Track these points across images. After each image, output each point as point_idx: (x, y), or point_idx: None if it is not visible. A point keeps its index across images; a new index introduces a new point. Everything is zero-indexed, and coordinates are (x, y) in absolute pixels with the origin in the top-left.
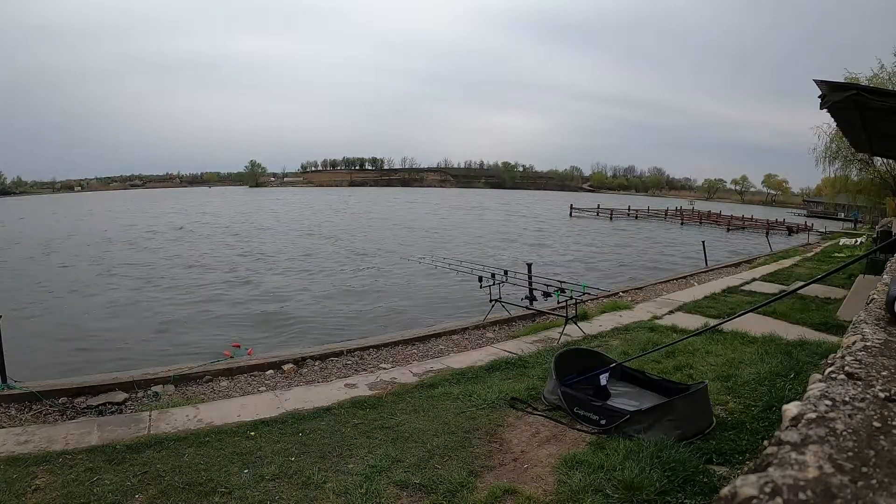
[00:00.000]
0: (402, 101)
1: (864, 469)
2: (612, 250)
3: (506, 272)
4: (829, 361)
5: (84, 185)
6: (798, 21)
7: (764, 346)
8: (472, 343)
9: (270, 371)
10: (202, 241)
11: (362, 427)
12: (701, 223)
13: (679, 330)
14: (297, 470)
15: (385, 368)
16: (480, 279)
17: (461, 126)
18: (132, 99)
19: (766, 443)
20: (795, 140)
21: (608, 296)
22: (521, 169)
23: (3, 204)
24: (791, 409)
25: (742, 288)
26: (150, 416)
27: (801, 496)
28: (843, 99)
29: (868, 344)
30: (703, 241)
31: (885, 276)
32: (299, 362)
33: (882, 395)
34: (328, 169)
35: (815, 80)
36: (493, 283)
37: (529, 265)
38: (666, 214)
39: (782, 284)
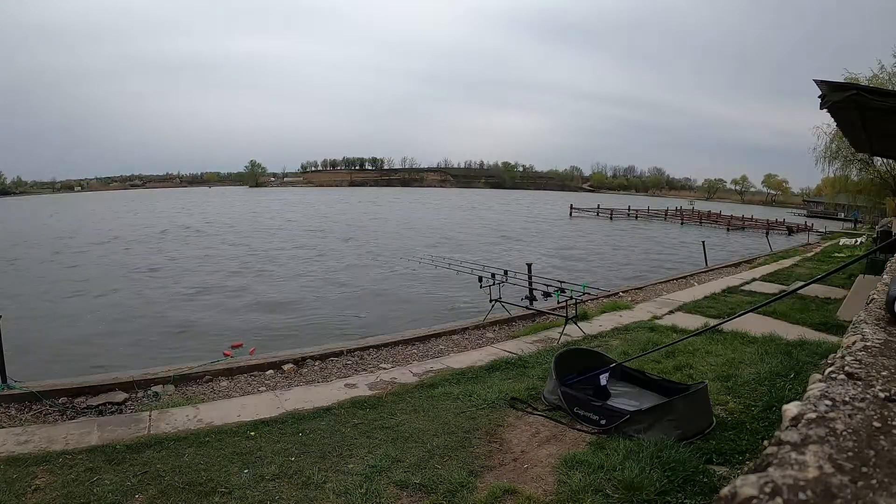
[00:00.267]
0: (402, 101)
1: (864, 469)
2: (612, 250)
3: (506, 272)
4: (829, 361)
5: (84, 185)
6: (798, 21)
7: (764, 346)
8: (472, 343)
9: (270, 371)
10: (211, 240)
11: (362, 427)
12: (701, 223)
13: (679, 330)
14: (297, 470)
15: (385, 368)
16: (480, 279)
17: (461, 126)
18: (132, 99)
19: (766, 443)
20: (795, 140)
21: (608, 296)
22: (521, 169)
23: (3, 204)
24: (791, 409)
25: (742, 288)
26: (150, 416)
27: (801, 496)
28: (843, 99)
29: (868, 344)
30: (703, 241)
31: (885, 276)
32: (299, 362)
33: (882, 395)
34: (328, 169)
35: (815, 80)
36: (493, 283)
37: (529, 265)
38: (666, 214)
39: (782, 284)
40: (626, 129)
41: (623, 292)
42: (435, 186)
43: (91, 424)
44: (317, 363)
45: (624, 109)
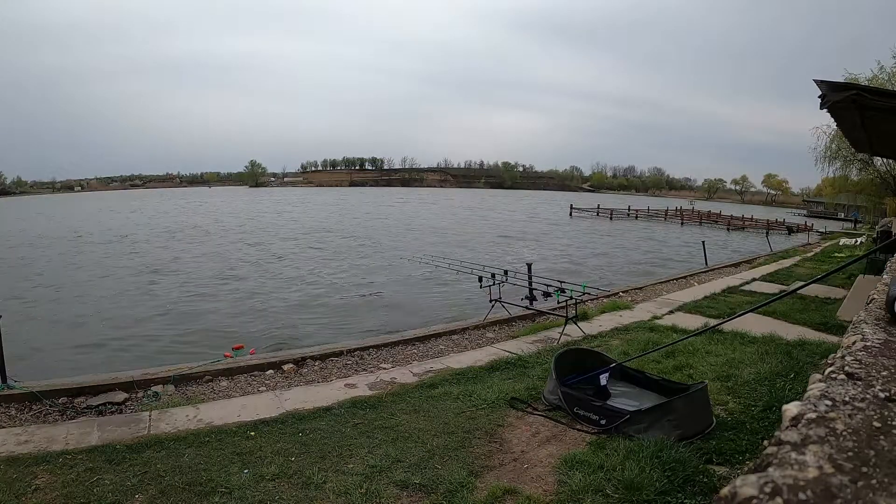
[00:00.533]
0: (402, 101)
1: (864, 469)
2: (612, 250)
3: (506, 272)
4: (829, 361)
5: (84, 185)
6: (798, 21)
7: (764, 346)
8: (472, 343)
9: (270, 371)
10: (219, 239)
11: (362, 427)
12: (701, 223)
13: (679, 330)
14: (297, 470)
15: (385, 368)
16: (480, 279)
17: (461, 126)
18: (132, 99)
19: (766, 443)
20: (795, 140)
21: (608, 296)
22: (521, 169)
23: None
24: (791, 409)
25: (742, 288)
26: (150, 416)
27: (801, 496)
28: (843, 99)
29: (868, 344)
30: (703, 241)
31: (885, 276)
32: (299, 362)
33: (882, 395)
34: (328, 169)
35: (815, 80)
36: (493, 283)
37: (529, 265)
38: (666, 214)
39: (782, 284)
40: (626, 129)
41: (623, 292)
42: (435, 186)
43: (91, 424)
44: (317, 363)
45: (624, 109)
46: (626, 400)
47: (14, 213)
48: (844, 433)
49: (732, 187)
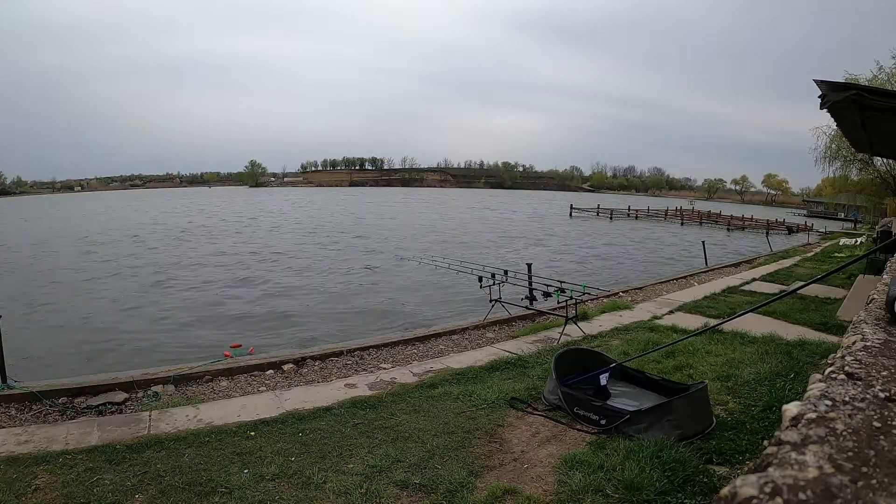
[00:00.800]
0: (402, 101)
1: (864, 469)
2: (612, 250)
3: (506, 272)
4: (829, 361)
5: (84, 185)
6: (798, 21)
7: (764, 346)
8: (472, 343)
9: (270, 371)
10: (224, 239)
11: (362, 427)
12: (701, 223)
13: (679, 330)
14: (297, 470)
15: (385, 368)
16: (480, 279)
17: (461, 126)
18: (132, 99)
19: (766, 443)
20: (795, 140)
21: (608, 296)
22: (521, 169)
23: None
24: (791, 409)
25: (742, 288)
26: (150, 416)
27: (801, 496)
28: (843, 99)
29: (868, 344)
30: (703, 241)
31: (885, 276)
32: (299, 362)
33: (882, 395)
34: (328, 169)
35: (815, 80)
36: (493, 283)
37: (529, 265)
38: (666, 214)
39: (782, 284)
40: (626, 129)
41: (623, 292)
42: (435, 186)
43: (91, 424)
44: (317, 363)
45: (624, 109)
46: (626, 400)
47: (16, 214)
48: (844, 433)
49: (732, 187)
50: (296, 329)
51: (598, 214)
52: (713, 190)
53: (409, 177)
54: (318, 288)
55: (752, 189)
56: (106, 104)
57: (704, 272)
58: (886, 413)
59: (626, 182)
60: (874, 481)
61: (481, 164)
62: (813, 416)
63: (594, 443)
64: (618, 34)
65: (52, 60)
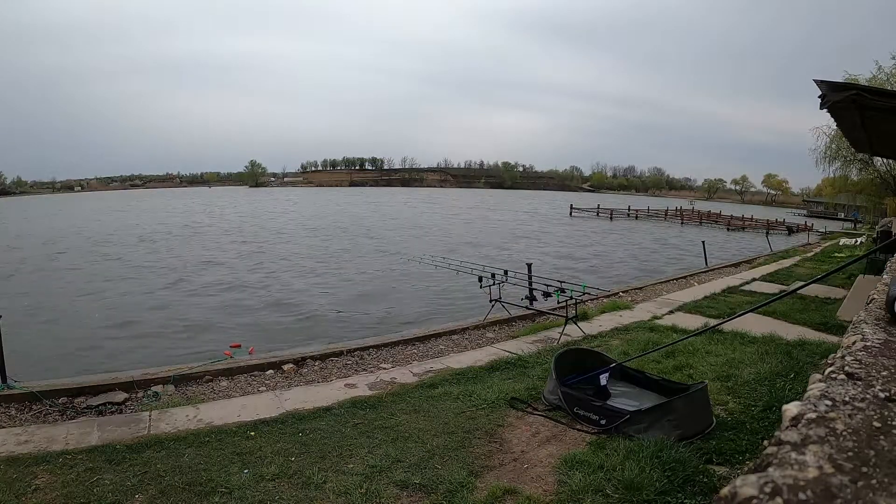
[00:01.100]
0: (402, 101)
1: (864, 469)
2: (612, 250)
3: (506, 272)
4: (829, 361)
5: (84, 185)
6: (798, 21)
7: (764, 346)
8: (472, 343)
9: (270, 371)
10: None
11: (362, 427)
12: (701, 223)
13: (679, 330)
14: (297, 470)
15: (385, 368)
16: (480, 279)
17: (461, 126)
18: (132, 99)
19: (766, 443)
20: (795, 140)
21: (608, 296)
22: (521, 169)
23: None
24: (791, 409)
25: (742, 288)
26: (150, 416)
27: (801, 496)
28: (842, 99)
29: (868, 344)
30: (703, 241)
31: (885, 276)
32: (299, 362)
33: (882, 395)
34: (328, 169)
35: (815, 80)
36: (493, 283)
37: (529, 265)
38: (666, 214)
39: (782, 284)
40: (626, 129)
41: (623, 292)
42: (435, 186)
43: (91, 424)
44: (317, 363)
45: (624, 109)
46: (626, 400)
47: (18, 214)
48: (844, 433)
49: (732, 187)
50: (296, 329)
51: (598, 214)
52: (713, 190)
53: (409, 177)
54: (319, 288)
55: (752, 189)
56: (106, 104)
57: (704, 272)
58: (886, 413)
59: (626, 182)
60: (874, 481)
61: (481, 164)
62: (813, 416)
63: (594, 443)
64: (618, 34)
65: (52, 60)
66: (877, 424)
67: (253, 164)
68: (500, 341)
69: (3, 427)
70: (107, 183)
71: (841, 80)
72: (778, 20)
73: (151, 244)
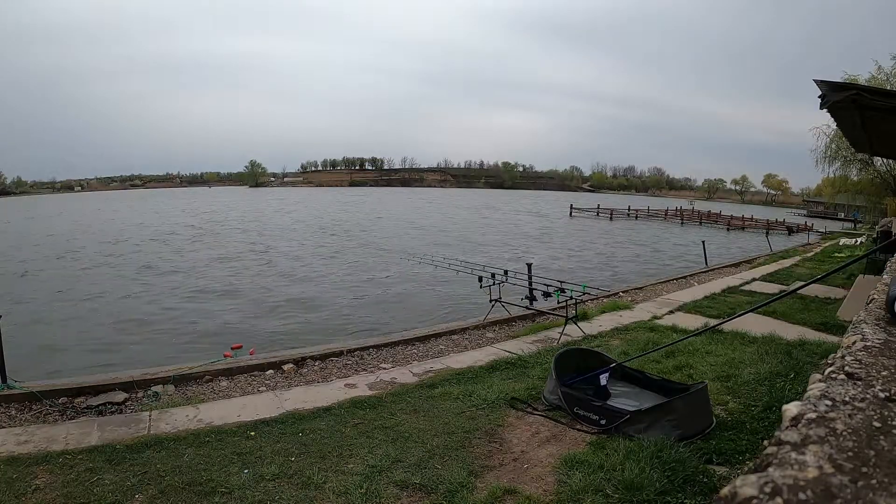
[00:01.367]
0: (402, 101)
1: (864, 469)
2: (612, 250)
3: (506, 272)
4: (829, 361)
5: (84, 185)
6: (798, 21)
7: (764, 346)
8: (472, 343)
9: (270, 371)
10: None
11: (362, 427)
12: (701, 223)
13: (679, 330)
14: (297, 470)
15: (385, 368)
16: (480, 279)
17: (461, 126)
18: (132, 99)
19: (766, 443)
20: (795, 140)
21: (608, 296)
22: (521, 169)
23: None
24: (791, 409)
25: (742, 288)
26: (150, 416)
27: (801, 496)
28: (842, 99)
29: (868, 344)
30: (703, 241)
31: (885, 276)
32: (299, 362)
33: (882, 395)
34: (328, 169)
35: (815, 80)
36: (493, 283)
37: (529, 265)
38: (666, 214)
39: (782, 284)
40: (626, 129)
41: (623, 292)
42: (435, 186)
43: (91, 424)
44: (317, 363)
45: (624, 109)
46: (626, 400)
47: (22, 213)
48: (844, 433)
49: (732, 187)
50: (296, 329)
51: (598, 214)
52: (713, 190)
53: (409, 177)
54: (320, 288)
55: (752, 189)
56: (106, 104)
57: (704, 272)
58: (886, 413)
59: (626, 182)
60: (874, 481)
61: (481, 164)
62: (813, 416)
63: (594, 443)
64: (618, 34)
65: (52, 60)
66: (877, 424)
67: (253, 164)
68: (500, 341)
69: (3, 427)
70: (107, 183)
71: (841, 80)
72: (778, 20)
73: (163, 244)
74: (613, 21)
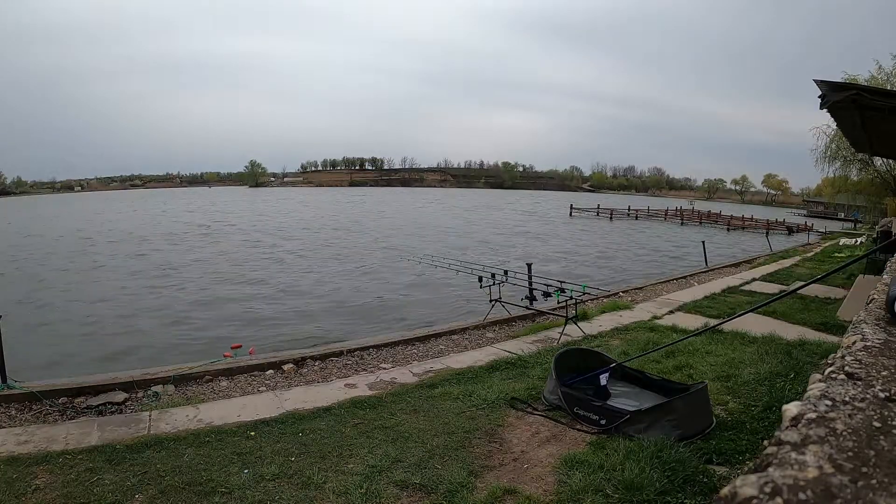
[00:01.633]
0: (402, 101)
1: (864, 469)
2: (612, 250)
3: (506, 272)
4: (829, 361)
5: (84, 185)
6: (799, 22)
7: (764, 346)
8: (472, 343)
9: (270, 371)
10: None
11: (362, 427)
12: (701, 223)
13: (679, 330)
14: (297, 470)
15: (385, 368)
16: (480, 279)
17: (461, 126)
18: (132, 99)
19: (766, 443)
20: (796, 140)
21: (608, 296)
22: (521, 169)
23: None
24: (791, 409)
25: (742, 288)
26: (150, 416)
27: (801, 496)
28: (842, 99)
29: (868, 344)
30: (703, 241)
31: (885, 276)
32: (299, 362)
33: (882, 395)
34: (328, 169)
35: (815, 80)
36: (493, 283)
37: (529, 265)
38: (666, 214)
39: (782, 284)
40: (626, 129)
41: (623, 292)
42: (435, 186)
43: (91, 424)
44: (317, 363)
45: (624, 109)
46: (626, 400)
47: (25, 214)
48: (844, 433)
49: (732, 187)
50: (295, 329)
51: (598, 214)
52: (713, 190)
53: (409, 177)
54: (320, 289)
55: (752, 189)
56: (106, 104)
57: (704, 272)
58: (886, 413)
59: (626, 182)
60: (874, 481)
61: (481, 164)
62: (813, 416)
63: (594, 443)
64: (618, 34)
65: (52, 60)
66: (877, 424)
67: (253, 163)
68: (500, 341)
69: (3, 427)
70: (107, 183)
71: (840, 80)
72: (778, 20)
73: (167, 244)
74: (613, 21)
